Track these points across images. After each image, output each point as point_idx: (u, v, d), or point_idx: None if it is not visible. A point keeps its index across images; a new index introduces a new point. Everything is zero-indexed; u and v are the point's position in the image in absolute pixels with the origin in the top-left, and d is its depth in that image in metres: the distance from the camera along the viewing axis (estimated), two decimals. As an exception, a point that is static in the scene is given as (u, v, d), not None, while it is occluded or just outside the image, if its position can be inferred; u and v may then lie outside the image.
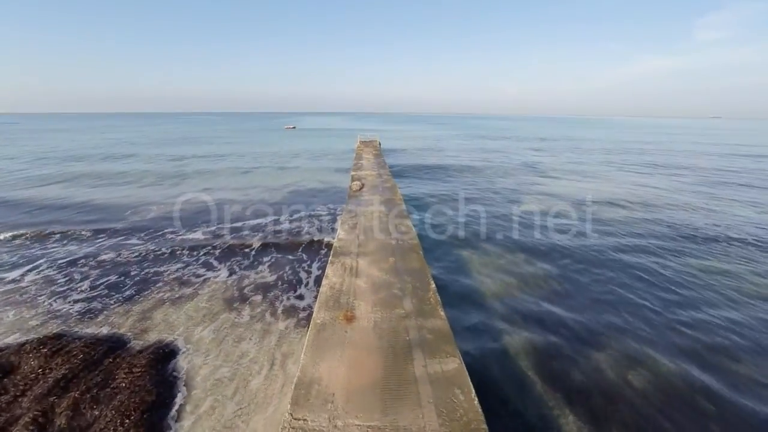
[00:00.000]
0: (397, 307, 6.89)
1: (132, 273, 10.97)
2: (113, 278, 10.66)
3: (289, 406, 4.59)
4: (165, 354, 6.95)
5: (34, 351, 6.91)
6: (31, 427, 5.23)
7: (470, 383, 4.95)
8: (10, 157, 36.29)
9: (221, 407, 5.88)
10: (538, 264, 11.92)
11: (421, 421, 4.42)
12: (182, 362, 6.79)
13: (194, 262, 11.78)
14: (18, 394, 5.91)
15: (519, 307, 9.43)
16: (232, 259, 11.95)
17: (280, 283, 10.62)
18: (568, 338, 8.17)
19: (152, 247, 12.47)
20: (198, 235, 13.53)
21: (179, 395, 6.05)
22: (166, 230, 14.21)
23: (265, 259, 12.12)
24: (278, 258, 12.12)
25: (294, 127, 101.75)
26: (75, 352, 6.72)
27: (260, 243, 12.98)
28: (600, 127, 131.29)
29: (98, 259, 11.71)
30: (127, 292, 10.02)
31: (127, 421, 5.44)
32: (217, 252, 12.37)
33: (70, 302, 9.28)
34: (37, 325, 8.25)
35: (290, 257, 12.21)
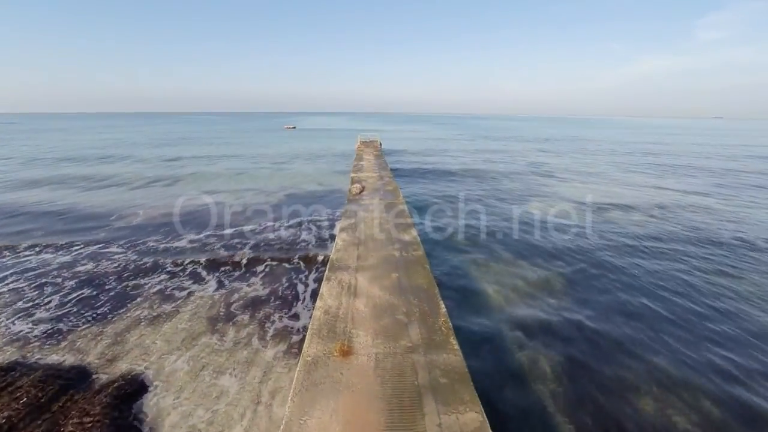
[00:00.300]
0: (402, 338, 5.87)
1: (109, 286, 9.95)
2: (87, 292, 9.65)
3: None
4: (130, 393, 5.93)
5: (-27, 389, 5.90)
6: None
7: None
8: (2, 158, 35.33)
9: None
10: (551, 269, 10.92)
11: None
12: (149, 404, 5.77)
13: (180, 274, 10.77)
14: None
15: (535, 319, 8.41)
16: (221, 270, 10.93)
17: (272, 298, 9.60)
18: (597, 357, 7.15)
19: (134, 257, 11.45)
20: (185, 243, 12.49)
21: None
22: (151, 237, 13.18)
23: (258, 269, 11.11)
24: (272, 269, 11.10)
25: (294, 127, 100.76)
26: (20, 393, 5.69)
27: (253, 252, 11.95)
28: (601, 128, 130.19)
29: (73, 270, 10.69)
30: (101, 309, 9.02)
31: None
32: (205, 262, 11.35)
33: (33, 322, 8.27)
34: (-12, 351, 7.24)
35: (286, 267, 11.19)
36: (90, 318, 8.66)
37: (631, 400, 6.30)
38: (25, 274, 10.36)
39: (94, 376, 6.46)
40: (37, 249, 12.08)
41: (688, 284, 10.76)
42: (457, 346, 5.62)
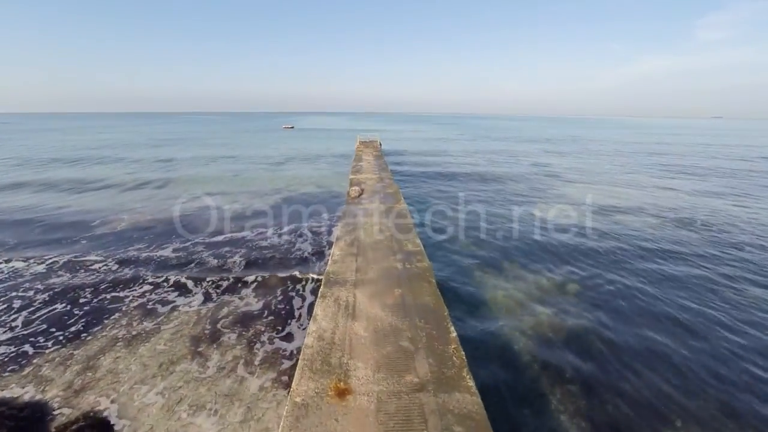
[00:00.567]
0: (408, 371, 5.04)
1: (84, 300, 9.11)
2: (60, 308, 8.81)
3: None
4: (88, 438, 5.09)
5: None
6: None
7: None
8: (-8, 159, 34.45)
9: None
10: (562, 274, 10.09)
11: None
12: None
13: (163, 285, 9.92)
14: None
15: (548, 329, 7.59)
16: (209, 282, 10.08)
17: (264, 314, 8.77)
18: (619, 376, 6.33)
19: (114, 267, 10.58)
20: (170, 252, 11.62)
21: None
22: (134, 245, 12.29)
23: (249, 280, 10.25)
24: (265, 280, 10.25)
25: (292, 127, 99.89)
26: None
27: (244, 261, 11.10)
28: (602, 128, 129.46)
29: (47, 281, 9.83)
30: (74, 327, 8.18)
31: None
32: (191, 272, 10.50)
33: (-6, 344, 7.42)
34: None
35: (279, 278, 10.33)
36: (60, 338, 7.83)
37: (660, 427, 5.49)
38: (-6, 287, 9.52)
39: (53, 414, 5.62)
40: (8, 258, 11.22)
41: (709, 291, 9.96)
42: (472, 383, 4.79)
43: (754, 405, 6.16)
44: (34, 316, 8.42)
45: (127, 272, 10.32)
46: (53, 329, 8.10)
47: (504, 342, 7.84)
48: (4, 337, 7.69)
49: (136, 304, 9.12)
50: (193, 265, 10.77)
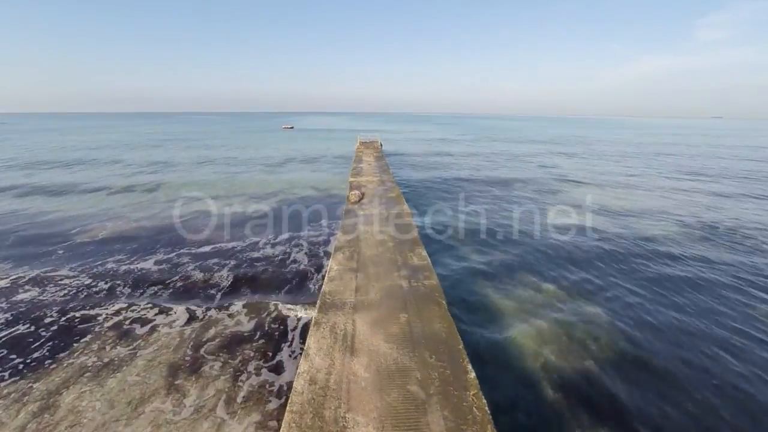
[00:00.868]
0: (418, 428, 4.11)
1: (50, 320, 8.17)
2: (21, 329, 7.87)
3: None
4: None
5: None
6: None
7: None
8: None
9: None
10: (583, 285, 9.17)
11: None
12: None
13: (142, 303, 8.97)
14: None
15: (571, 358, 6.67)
16: (194, 299, 9.14)
17: (253, 336, 7.85)
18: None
19: (87, 281, 9.61)
20: (152, 264, 10.64)
21: None
22: (114, 256, 11.24)
23: (238, 298, 9.30)
24: (255, 297, 9.29)
25: (292, 127, 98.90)
26: None
27: (233, 275, 10.13)
28: (604, 128, 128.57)
29: (11, 299, 8.87)
30: (37, 354, 7.25)
31: None
32: (175, 287, 9.55)
33: (-61, 377, 6.48)
34: None
35: (272, 295, 9.38)
36: (20, 366, 6.90)
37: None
38: (-52, 307, 8.57)
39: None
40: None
41: (745, 305, 9.05)
42: (499, 445, 3.87)
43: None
44: (-8, 341, 7.48)
45: (103, 287, 9.36)
46: (13, 356, 7.17)
47: (521, 358, 6.93)
48: (-48, 367, 6.76)
49: (110, 324, 8.19)
50: (177, 278, 9.81)
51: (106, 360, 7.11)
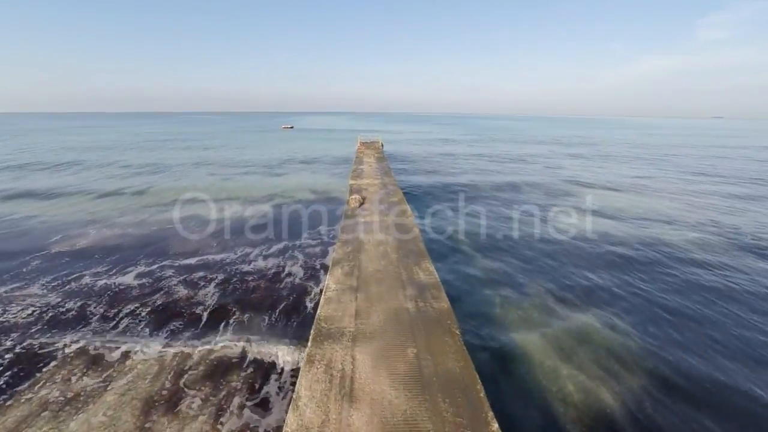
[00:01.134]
0: None
1: (8, 346, 7.26)
2: (-21, 358, 6.97)
3: None
4: None
5: None
6: None
7: None
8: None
9: None
10: (615, 296, 8.29)
11: None
12: None
13: (118, 324, 8.06)
14: None
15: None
16: (175, 320, 8.20)
17: (240, 365, 6.97)
18: None
19: (56, 300, 8.64)
20: (132, 279, 9.64)
21: None
22: (91, 269, 10.16)
23: (225, 318, 8.32)
24: (244, 318, 8.33)
25: (292, 127, 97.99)
26: None
27: (220, 292, 9.17)
28: (605, 128, 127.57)
29: (-28, 321, 7.99)
30: (-8, 387, 6.35)
31: None
32: (154, 307, 8.59)
33: None
34: None
35: (263, 315, 8.46)
36: (-29, 404, 5.99)
37: None
38: None
39: None
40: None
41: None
42: None
43: None
44: (-59, 373, 6.59)
45: (73, 308, 8.38)
46: (-37, 391, 6.27)
47: (541, 380, 6.04)
48: None
49: (75, 349, 7.27)
50: (158, 296, 8.86)
51: (70, 395, 6.22)
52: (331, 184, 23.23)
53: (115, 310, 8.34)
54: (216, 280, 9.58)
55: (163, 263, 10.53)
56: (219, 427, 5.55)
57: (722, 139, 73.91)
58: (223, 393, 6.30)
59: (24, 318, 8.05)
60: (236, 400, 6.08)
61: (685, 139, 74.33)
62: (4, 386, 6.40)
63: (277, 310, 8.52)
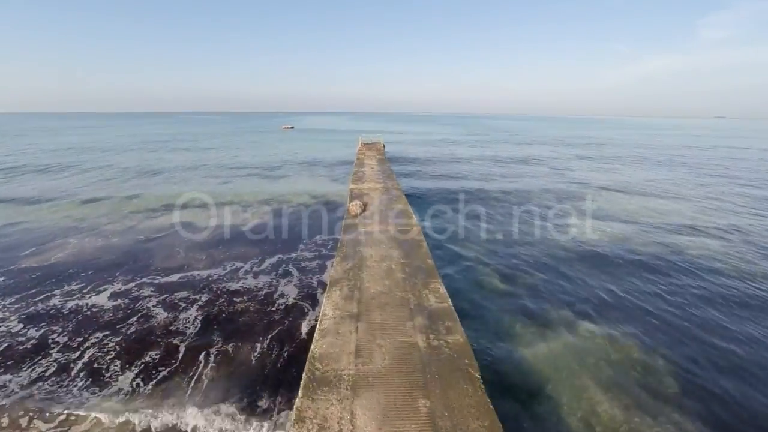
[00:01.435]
0: None
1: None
2: None
3: None
4: None
5: None
6: None
7: None
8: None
9: None
10: (634, 307, 7.26)
11: None
12: None
13: (77, 362, 6.76)
14: None
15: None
16: (147, 354, 6.95)
17: (226, 401, 5.94)
18: None
19: (17, 327, 7.48)
20: (105, 299, 8.49)
21: None
22: (62, 287, 9.09)
23: (207, 350, 7.07)
24: (228, 350, 7.09)
25: (292, 127, 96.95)
26: None
27: (203, 316, 8.03)
28: (606, 128, 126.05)
29: None
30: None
31: None
32: (126, 336, 7.38)
33: None
34: None
35: (250, 344, 7.31)
36: None
37: None
38: None
39: None
40: None
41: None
42: None
43: None
44: None
45: (33, 336, 7.31)
46: None
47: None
48: None
49: (21, 396, 6.05)
50: (132, 322, 7.77)
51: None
52: (331, 187, 22.22)
53: (80, 338, 7.24)
54: (200, 302, 8.35)
55: (143, 280, 9.37)
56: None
57: (729, 140, 72.63)
58: (200, 444, 5.28)
59: (-27, 349, 7.00)
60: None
61: (692, 140, 73.01)
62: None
63: (268, 337, 7.42)
